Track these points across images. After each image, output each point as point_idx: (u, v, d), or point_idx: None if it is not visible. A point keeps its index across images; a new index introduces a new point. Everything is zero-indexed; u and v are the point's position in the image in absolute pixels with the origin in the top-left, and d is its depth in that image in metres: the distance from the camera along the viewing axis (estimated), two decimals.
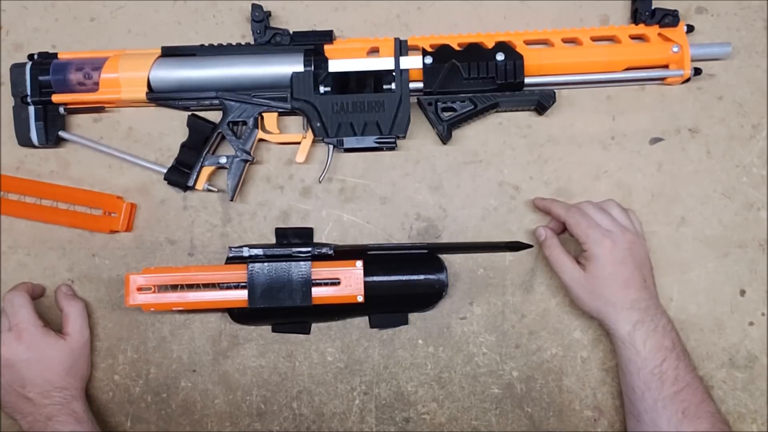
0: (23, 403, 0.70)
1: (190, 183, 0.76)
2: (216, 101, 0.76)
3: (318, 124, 0.74)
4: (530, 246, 0.70)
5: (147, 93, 0.75)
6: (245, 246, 0.72)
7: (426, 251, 0.75)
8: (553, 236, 0.72)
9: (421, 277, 0.74)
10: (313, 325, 0.78)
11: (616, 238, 0.68)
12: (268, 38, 0.76)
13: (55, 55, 0.78)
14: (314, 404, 0.77)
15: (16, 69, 0.76)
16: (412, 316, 0.77)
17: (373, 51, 0.77)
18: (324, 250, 0.72)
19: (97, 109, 0.79)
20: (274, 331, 0.77)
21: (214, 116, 0.77)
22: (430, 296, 0.75)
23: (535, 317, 0.77)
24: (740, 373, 0.75)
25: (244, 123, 0.76)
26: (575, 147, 0.78)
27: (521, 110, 0.78)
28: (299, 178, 0.79)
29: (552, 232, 0.72)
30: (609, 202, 0.73)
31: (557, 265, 0.70)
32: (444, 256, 0.76)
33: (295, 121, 0.79)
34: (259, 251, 0.72)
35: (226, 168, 0.76)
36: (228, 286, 0.72)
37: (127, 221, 0.77)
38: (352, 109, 0.74)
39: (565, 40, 0.76)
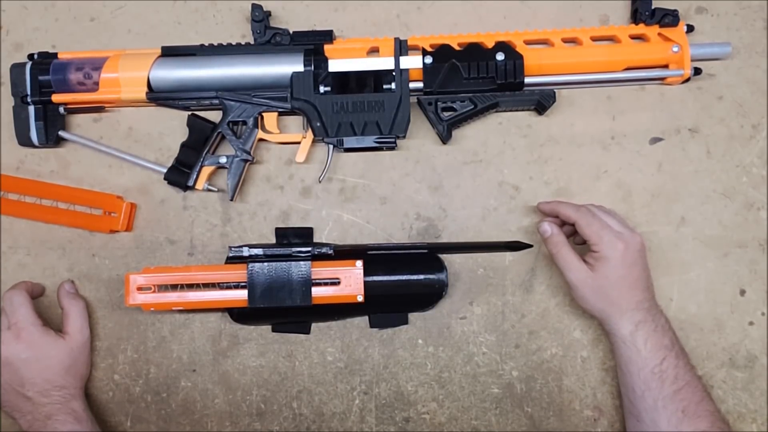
0: (22, 402, 0.70)
1: (190, 183, 0.76)
2: (216, 101, 0.76)
3: (318, 124, 0.74)
4: (530, 246, 0.70)
5: (147, 93, 0.75)
6: (245, 246, 0.72)
7: (426, 251, 0.74)
8: (559, 233, 0.70)
9: (421, 277, 0.74)
10: (313, 325, 0.78)
11: (628, 240, 0.67)
12: (268, 38, 0.76)
13: (55, 55, 0.78)
14: (314, 404, 0.77)
15: (16, 69, 0.76)
16: (412, 316, 0.77)
17: (373, 51, 0.77)
18: (324, 250, 0.72)
19: (97, 109, 0.79)
20: (274, 330, 0.77)
21: (214, 116, 0.77)
22: (430, 296, 0.75)
23: (535, 317, 0.77)
24: (740, 373, 0.75)
25: (244, 123, 0.76)
26: (575, 147, 0.78)
27: (521, 110, 0.78)
28: (299, 178, 0.79)
29: (558, 229, 0.71)
30: (603, 207, 0.73)
31: (564, 263, 0.69)
32: (444, 256, 0.76)
33: (295, 121, 0.79)
34: (259, 251, 0.72)
35: (226, 168, 0.76)
36: (228, 286, 0.72)
37: (127, 221, 0.77)
38: (352, 109, 0.74)
39: (565, 40, 0.76)
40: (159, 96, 0.76)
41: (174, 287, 0.72)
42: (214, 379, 0.77)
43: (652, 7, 0.76)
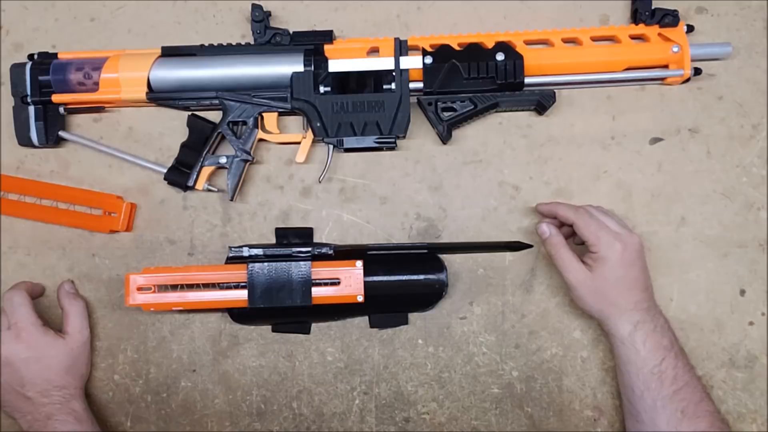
0: (22, 403, 0.70)
1: (190, 183, 0.76)
2: (216, 101, 0.76)
3: (318, 124, 0.74)
4: (530, 246, 0.70)
5: (147, 93, 0.75)
6: (245, 246, 0.72)
7: (426, 251, 0.74)
8: (558, 234, 0.71)
9: (421, 277, 0.74)
10: (313, 325, 0.78)
11: (626, 241, 0.68)
12: (268, 38, 0.76)
13: (55, 55, 0.78)
14: (314, 404, 0.77)
15: (16, 69, 0.76)
16: (412, 316, 0.77)
17: (373, 51, 0.76)
18: (324, 250, 0.72)
19: (97, 109, 0.79)
20: (274, 331, 0.77)
21: (214, 116, 0.77)
22: (430, 296, 0.75)
23: (535, 317, 0.77)
24: (740, 373, 0.75)
25: (244, 123, 0.76)
26: (575, 147, 0.78)
27: (521, 110, 0.78)
28: (299, 178, 0.79)
29: (557, 230, 0.71)
30: (601, 207, 0.73)
31: (562, 264, 0.69)
32: (444, 256, 0.76)
33: (295, 121, 0.79)
34: (259, 251, 0.72)
35: (226, 168, 0.76)
36: (228, 286, 0.72)
37: (127, 221, 0.77)
38: (352, 109, 0.74)
39: (565, 40, 0.76)
40: (159, 96, 0.76)
41: (174, 287, 0.72)
42: (214, 379, 0.77)
43: (652, 7, 0.75)
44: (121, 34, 0.81)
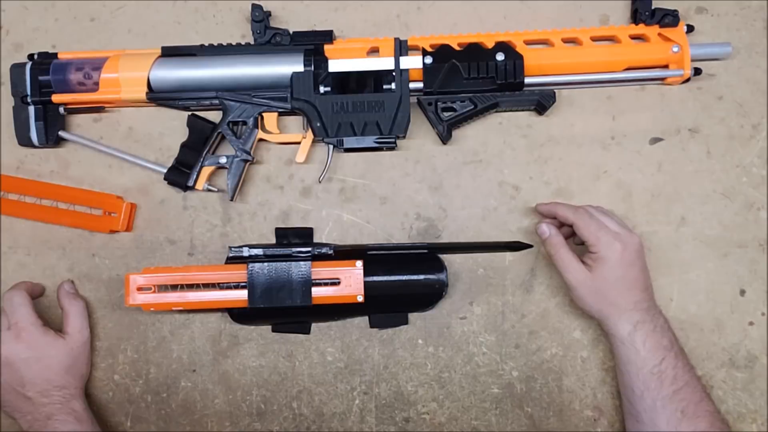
0: (22, 403, 0.70)
1: (190, 183, 0.76)
2: (216, 101, 0.76)
3: (318, 124, 0.74)
4: (530, 246, 0.70)
5: (147, 93, 0.75)
6: (245, 246, 0.72)
7: (426, 251, 0.74)
8: (557, 234, 0.71)
9: (421, 277, 0.74)
10: (313, 325, 0.78)
11: (625, 241, 0.68)
12: (268, 38, 0.76)
13: (55, 55, 0.78)
14: (314, 404, 0.77)
15: (16, 69, 0.76)
16: (412, 316, 0.77)
17: (373, 51, 0.76)
18: (324, 250, 0.72)
19: (97, 109, 0.79)
20: (274, 331, 0.77)
21: (214, 116, 0.77)
22: (430, 296, 0.75)
23: (535, 317, 0.77)
24: (740, 373, 0.75)
25: (244, 123, 0.76)
26: (575, 147, 0.78)
27: (521, 110, 0.78)
28: (299, 178, 0.79)
29: (557, 230, 0.71)
30: (601, 208, 0.73)
31: (562, 264, 0.69)
32: (444, 256, 0.76)
33: (295, 121, 0.79)
34: (259, 251, 0.72)
35: (226, 168, 0.76)
36: (228, 286, 0.72)
37: (127, 221, 0.77)
38: (352, 109, 0.74)
39: (565, 40, 0.76)
40: (159, 96, 0.76)
41: (174, 287, 0.72)
42: (214, 379, 0.77)
43: (652, 8, 0.76)
44: (121, 34, 0.81)
